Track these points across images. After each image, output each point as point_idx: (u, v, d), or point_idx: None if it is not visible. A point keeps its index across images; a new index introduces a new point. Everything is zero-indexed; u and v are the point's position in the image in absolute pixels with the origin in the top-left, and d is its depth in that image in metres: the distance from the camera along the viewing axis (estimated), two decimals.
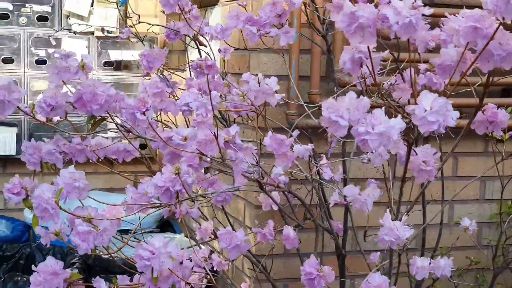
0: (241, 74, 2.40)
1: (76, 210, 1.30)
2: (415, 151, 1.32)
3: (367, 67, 1.23)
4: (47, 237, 1.37)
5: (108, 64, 3.50)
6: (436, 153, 1.41)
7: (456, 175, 2.55)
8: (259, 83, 1.49)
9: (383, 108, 1.12)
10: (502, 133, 1.60)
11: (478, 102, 1.27)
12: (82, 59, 1.33)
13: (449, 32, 1.12)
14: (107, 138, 1.63)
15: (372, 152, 1.24)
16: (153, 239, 1.28)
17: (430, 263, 1.55)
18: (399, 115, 1.15)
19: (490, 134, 1.79)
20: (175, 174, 1.29)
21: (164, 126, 1.76)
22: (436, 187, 2.12)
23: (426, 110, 1.09)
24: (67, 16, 3.43)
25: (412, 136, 1.28)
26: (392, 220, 1.27)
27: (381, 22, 1.09)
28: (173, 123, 1.96)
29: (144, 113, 1.32)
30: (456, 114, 1.11)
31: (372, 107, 1.15)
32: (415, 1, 1.10)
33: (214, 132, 1.33)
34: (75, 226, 1.29)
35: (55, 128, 1.43)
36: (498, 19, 1.05)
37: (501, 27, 1.07)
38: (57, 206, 1.27)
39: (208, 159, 1.39)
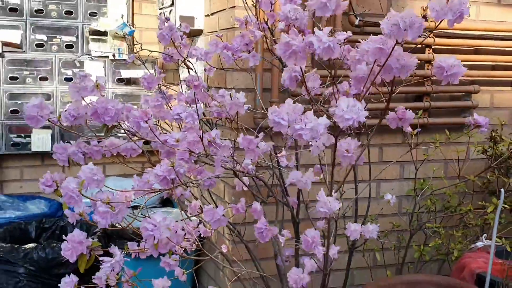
0: (221, 87, 2.43)
1: (97, 195, 1.31)
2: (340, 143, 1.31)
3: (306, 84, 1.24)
4: (73, 217, 1.38)
5: (120, 80, 3.48)
6: (362, 145, 1.43)
7: (381, 161, 2.57)
8: (231, 97, 1.51)
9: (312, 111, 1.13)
10: (411, 129, 1.64)
11: (386, 105, 1.28)
12: (96, 80, 1.32)
13: (361, 52, 1.14)
14: (118, 138, 1.63)
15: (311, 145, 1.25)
16: (155, 215, 1.28)
17: (361, 228, 1.59)
18: (325, 116, 1.16)
19: (413, 132, 1.81)
20: (171, 166, 1.31)
21: (162, 130, 1.78)
22: (366, 169, 2.15)
23: (344, 110, 1.11)
24: (88, 43, 3.40)
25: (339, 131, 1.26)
26: (328, 196, 1.28)
27: (308, 48, 1.10)
28: (169, 127, 1.97)
29: (146, 122, 1.32)
30: (366, 113, 1.12)
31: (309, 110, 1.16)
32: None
33: (200, 135, 1.35)
34: (96, 208, 1.30)
35: (76, 134, 1.43)
36: (397, 41, 1.08)
37: (398, 47, 1.10)
38: (80, 194, 1.27)
39: (196, 154, 1.40)
